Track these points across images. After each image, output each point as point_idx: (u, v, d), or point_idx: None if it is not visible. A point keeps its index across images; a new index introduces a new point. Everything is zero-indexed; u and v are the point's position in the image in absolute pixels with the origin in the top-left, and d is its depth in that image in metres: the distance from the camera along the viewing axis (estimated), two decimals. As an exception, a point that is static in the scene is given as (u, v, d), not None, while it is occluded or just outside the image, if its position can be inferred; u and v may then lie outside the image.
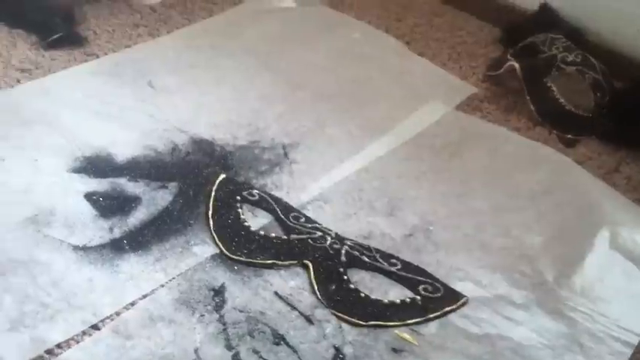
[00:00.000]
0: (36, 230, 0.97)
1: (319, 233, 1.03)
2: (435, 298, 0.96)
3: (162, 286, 0.92)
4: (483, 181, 1.18)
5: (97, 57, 1.34)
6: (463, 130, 1.29)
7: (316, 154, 1.19)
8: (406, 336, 0.90)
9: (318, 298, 0.94)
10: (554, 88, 1.35)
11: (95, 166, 1.09)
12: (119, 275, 0.93)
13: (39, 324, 0.85)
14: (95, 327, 0.86)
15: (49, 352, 0.83)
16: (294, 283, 0.96)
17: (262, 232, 1.02)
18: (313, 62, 1.43)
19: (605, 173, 1.24)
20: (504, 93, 1.40)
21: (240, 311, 0.90)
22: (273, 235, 1.02)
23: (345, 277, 0.97)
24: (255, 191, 1.09)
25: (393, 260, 1.01)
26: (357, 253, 1.01)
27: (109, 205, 1.03)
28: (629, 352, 0.93)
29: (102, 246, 0.97)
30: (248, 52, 1.42)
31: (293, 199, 1.09)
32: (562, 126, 1.33)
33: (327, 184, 1.13)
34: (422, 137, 1.26)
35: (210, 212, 1.04)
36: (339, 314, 0.92)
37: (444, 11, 1.66)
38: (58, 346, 0.83)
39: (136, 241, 0.98)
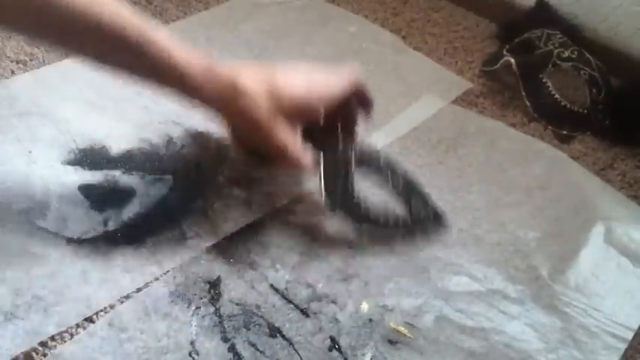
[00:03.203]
0: (29, 222, 0.96)
1: None
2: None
3: (157, 279, 0.92)
4: (479, 176, 1.18)
5: (92, 49, 1.33)
6: (459, 125, 1.29)
7: (312, 148, 1.19)
8: (401, 329, 0.91)
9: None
10: (549, 84, 1.35)
11: (90, 158, 1.09)
12: (114, 268, 0.93)
13: (33, 316, 0.85)
14: (90, 320, 0.86)
15: (43, 344, 0.82)
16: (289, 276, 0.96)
17: None
18: (309, 56, 1.42)
19: (600, 169, 1.25)
20: (500, 88, 1.41)
21: (236, 304, 0.90)
22: None
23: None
24: None
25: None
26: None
27: (104, 198, 1.03)
28: (623, 347, 0.93)
29: (96, 239, 0.96)
30: (244, 45, 1.42)
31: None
32: (557, 122, 1.33)
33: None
34: (417, 132, 1.26)
35: None
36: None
37: (441, 6, 1.66)
38: (52, 338, 0.83)
39: (131, 234, 0.98)
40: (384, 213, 1.02)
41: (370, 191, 1.04)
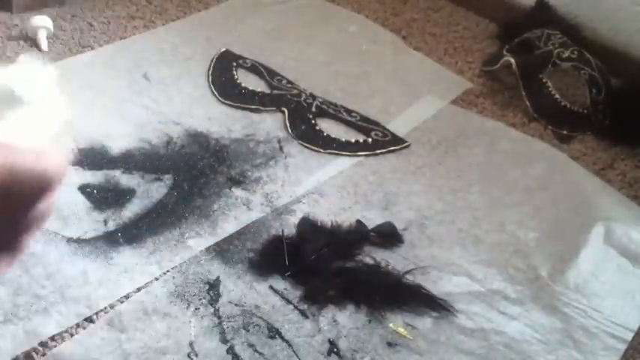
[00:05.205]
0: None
1: (296, 91, 1.28)
2: (382, 141, 1.20)
3: (157, 279, 0.92)
4: (479, 177, 1.18)
5: (93, 49, 1.33)
6: (459, 125, 1.29)
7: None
8: (401, 330, 0.90)
9: (289, 133, 1.18)
10: (549, 84, 1.35)
11: (90, 158, 1.09)
12: (113, 268, 0.93)
13: (33, 316, 0.85)
14: (89, 320, 0.86)
15: (43, 344, 0.82)
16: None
17: (251, 87, 1.28)
18: (309, 55, 1.42)
19: (600, 169, 1.25)
20: (500, 88, 1.40)
21: (236, 305, 0.90)
22: (260, 90, 1.28)
23: (314, 122, 1.21)
24: (248, 60, 1.35)
25: (354, 114, 1.26)
26: (325, 107, 1.26)
27: (104, 198, 1.02)
28: (622, 347, 0.93)
29: (96, 238, 0.96)
30: (243, 45, 1.42)
31: (288, 192, 1.09)
32: (557, 122, 1.33)
33: (323, 178, 1.13)
34: (418, 132, 1.26)
35: (210, 71, 1.30)
36: (305, 144, 1.17)
37: (441, 6, 1.66)
38: (52, 338, 0.83)
39: (131, 234, 0.98)
40: None
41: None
